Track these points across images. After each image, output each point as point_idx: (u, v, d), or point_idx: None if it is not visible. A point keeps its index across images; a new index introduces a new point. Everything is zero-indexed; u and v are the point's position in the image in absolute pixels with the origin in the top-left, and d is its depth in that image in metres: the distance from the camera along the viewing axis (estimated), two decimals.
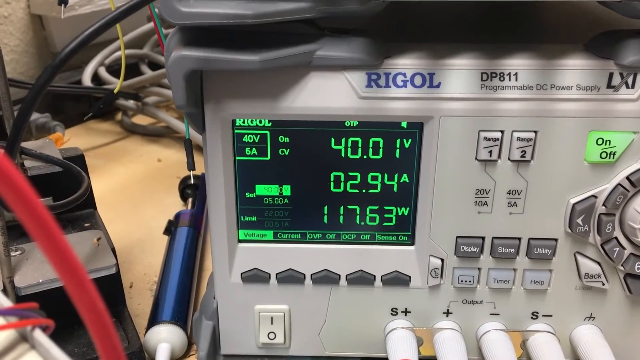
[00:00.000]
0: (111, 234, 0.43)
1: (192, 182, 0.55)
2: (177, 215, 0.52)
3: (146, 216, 0.58)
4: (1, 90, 0.36)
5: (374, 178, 0.34)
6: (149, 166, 0.68)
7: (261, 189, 0.35)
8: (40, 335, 0.18)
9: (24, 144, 0.41)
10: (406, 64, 0.31)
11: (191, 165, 0.46)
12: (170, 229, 0.51)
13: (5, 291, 0.34)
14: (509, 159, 0.32)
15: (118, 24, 0.28)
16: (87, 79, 0.75)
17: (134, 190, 0.63)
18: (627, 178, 0.32)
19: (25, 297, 0.34)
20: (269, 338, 0.37)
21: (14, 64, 0.78)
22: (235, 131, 0.33)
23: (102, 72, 0.78)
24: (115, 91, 0.48)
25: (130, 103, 0.75)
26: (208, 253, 0.52)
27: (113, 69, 0.79)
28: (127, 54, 0.80)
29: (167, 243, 0.50)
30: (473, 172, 0.33)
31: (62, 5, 0.38)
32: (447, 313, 0.36)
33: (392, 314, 0.36)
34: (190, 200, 0.56)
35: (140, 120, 0.78)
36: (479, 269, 0.35)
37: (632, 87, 0.31)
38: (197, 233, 0.51)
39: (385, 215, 0.35)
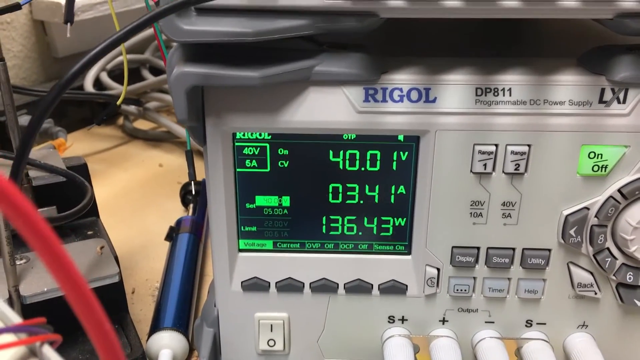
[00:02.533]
0: (113, 239, 0.44)
1: (193, 191, 0.55)
2: (179, 222, 0.53)
3: (147, 222, 0.59)
4: (6, 102, 0.37)
5: (372, 189, 0.35)
6: (150, 171, 0.69)
7: (261, 200, 0.35)
8: (49, 351, 0.19)
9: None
10: (403, 79, 0.32)
11: (192, 176, 0.47)
12: (172, 235, 0.52)
13: (10, 300, 0.35)
14: (503, 171, 0.33)
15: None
16: (89, 85, 0.76)
17: (135, 196, 0.64)
18: (619, 191, 0.33)
19: (31, 306, 0.35)
20: (268, 345, 0.38)
21: (16, 69, 0.79)
22: (236, 144, 0.34)
23: (104, 77, 0.78)
24: (119, 103, 0.49)
25: (132, 108, 0.76)
26: (209, 259, 0.53)
27: (114, 74, 0.80)
28: (128, 59, 0.81)
29: (169, 249, 0.51)
30: (468, 184, 0.33)
31: (69, 23, 0.39)
32: (443, 321, 0.37)
33: (389, 321, 0.37)
34: (191, 206, 0.57)
35: (142, 125, 0.78)
36: (474, 278, 0.36)
37: (624, 102, 0.31)
38: (198, 239, 0.52)
39: (383, 226, 0.36)
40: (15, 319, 0.20)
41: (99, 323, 0.17)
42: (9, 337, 0.19)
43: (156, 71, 0.83)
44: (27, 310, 0.35)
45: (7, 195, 0.15)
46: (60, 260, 0.16)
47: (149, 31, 0.82)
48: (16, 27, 0.78)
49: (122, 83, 0.75)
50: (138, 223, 0.59)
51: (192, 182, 0.52)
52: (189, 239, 0.51)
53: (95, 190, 0.46)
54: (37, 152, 0.44)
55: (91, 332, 0.17)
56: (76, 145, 0.73)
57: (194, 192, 0.56)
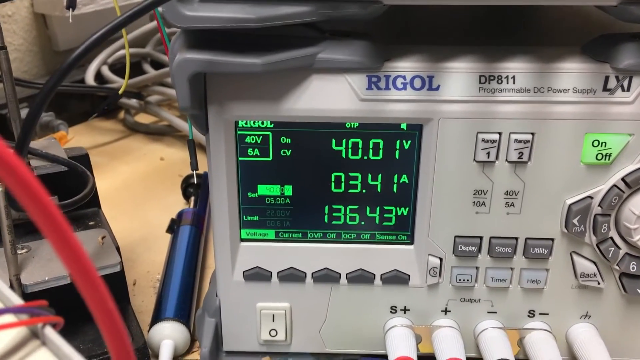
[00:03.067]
0: (114, 232, 0.44)
1: (195, 182, 0.55)
2: (180, 214, 0.53)
3: (149, 214, 0.59)
4: (8, 91, 0.37)
5: (374, 178, 0.35)
6: (151, 164, 0.69)
7: (263, 189, 0.35)
8: (51, 332, 0.19)
9: (30, 144, 0.42)
10: (406, 66, 0.32)
11: (194, 166, 0.47)
12: (173, 227, 0.52)
13: (12, 289, 0.35)
14: (506, 160, 0.33)
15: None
16: (90, 78, 0.76)
17: (136, 189, 0.64)
18: (623, 179, 0.32)
19: (32, 295, 0.35)
20: (270, 335, 0.38)
21: (17, 62, 0.79)
22: (238, 132, 0.34)
23: (105, 70, 0.78)
24: (120, 92, 0.49)
25: (133, 102, 0.76)
26: (210, 251, 0.52)
27: (116, 68, 0.80)
28: (130, 53, 0.81)
29: (170, 241, 0.51)
30: (471, 173, 0.33)
31: (70, 9, 0.39)
32: (446, 311, 0.37)
33: (391, 311, 0.37)
34: (192, 198, 0.57)
35: (143, 118, 0.78)
36: (477, 268, 0.35)
37: (628, 90, 0.31)
38: (200, 231, 0.52)
39: (385, 215, 0.35)
40: (17, 300, 0.20)
41: (106, 308, 0.16)
42: (10, 318, 0.19)
43: (157, 65, 0.83)
44: (29, 299, 0.35)
45: (20, 176, 0.15)
46: (70, 243, 0.16)
47: (151, 24, 0.82)
48: (17, 20, 0.78)
49: (123, 77, 0.75)
50: (139, 216, 0.59)
51: (195, 172, 0.52)
52: (191, 231, 0.51)
53: (97, 184, 0.46)
54: (38, 143, 0.43)
55: (98, 316, 0.17)
56: (77, 138, 0.73)
57: (195, 182, 0.56)
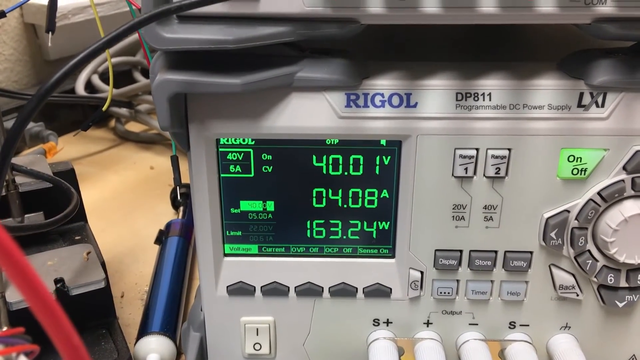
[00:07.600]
0: (103, 243, 0.44)
1: (179, 197, 0.56)
2: (168, 225, 0.53)
3: (138, 225, 0.59)
4: None
5: (355, 194, 0.35)
6: (141, 174, 0.69)
7: (245, 205, 0.36)
8: None
9: (16, 160, 0.42)
10: (384, 84, 0.32)
11: (178, 181, 0.48)
12: (161, 238, 0.52)
13: None
14: (484, 175, 0.33)
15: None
16: (80, 87, 0.76)
17: (126, 198, 0.64)
18: (599, 193, 0.33)
19: (17, 312, 0.35)
20: (254, 349, 0.38)
21: (7, 72, 0.79)
22: (220, 149, 0.34)
23: (96, 79, 0.78)
24: (104, 109, 0.49)
25: (124, 110, 0.76)
26: None
27: (106, 77, 0.80)
28: (120, 61, 0.81)
29: (158, 253, 0.51)
30: (450, 188, 0.34)
31: (50, 33, 0.39)
32: (428, 323, 0.37)
33: (374, 324, 0.37)
34: (181, 209, 0.57)
35: (133, 127, 0.79)
36: (458, 280, 0.36)
37: (602, 106, 0.32)
38: (188, 243, 0.52)
39: (367, 229, 0.36)
40: None
41: (65, 335, 0.17)
42: None
43: (148, 73, 0.83)
44: (14, 316, 0.35)
45: None
46: (22, 269, 0.16)
47: None
48: (7, 30, 0.78)
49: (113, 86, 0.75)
50: (129, 226, 0.59)
51: (178, 187, 0.53)
52: (178, 242, 0.51)
53: (87, 193, 0.46)
54: (24, 158, 0.44)
55: (57, 342, 0.17)
56: (67, 148, 0.73)
57: (179, 198, 0.56)
